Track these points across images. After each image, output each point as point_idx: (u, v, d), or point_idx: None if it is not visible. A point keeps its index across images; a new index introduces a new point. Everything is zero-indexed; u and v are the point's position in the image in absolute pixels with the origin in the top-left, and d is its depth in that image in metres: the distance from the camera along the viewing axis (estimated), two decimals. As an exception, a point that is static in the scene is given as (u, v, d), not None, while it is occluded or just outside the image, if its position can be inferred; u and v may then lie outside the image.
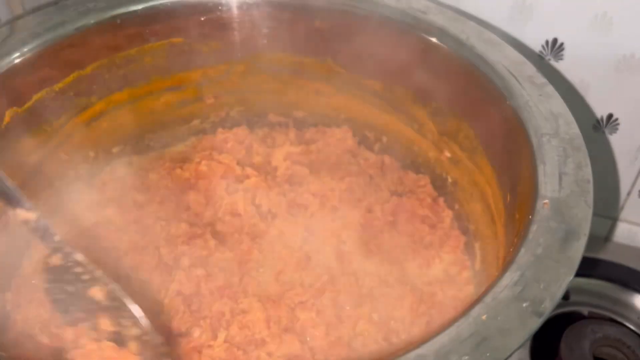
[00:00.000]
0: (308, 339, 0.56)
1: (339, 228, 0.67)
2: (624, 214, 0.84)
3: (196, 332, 0.55)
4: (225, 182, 0.70)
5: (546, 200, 0.44)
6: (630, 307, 0.79)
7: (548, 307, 0.37)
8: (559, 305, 0.77)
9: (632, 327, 0.76)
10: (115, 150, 0.74)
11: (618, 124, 0.76)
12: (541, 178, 0.47)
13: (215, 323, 0.56)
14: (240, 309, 0.57)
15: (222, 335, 0.55)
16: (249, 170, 0.72)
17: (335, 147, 0.76)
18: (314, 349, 0.55)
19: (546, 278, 0.39)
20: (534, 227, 0.42)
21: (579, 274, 0.79)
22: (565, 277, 0.39)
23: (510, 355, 0.34)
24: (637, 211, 0.83)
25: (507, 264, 0.40)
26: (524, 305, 0.37)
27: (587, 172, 0.47)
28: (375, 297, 0.60)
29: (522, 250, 0.41)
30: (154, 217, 0.67)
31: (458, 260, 0.65)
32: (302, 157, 0.75)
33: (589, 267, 0.82)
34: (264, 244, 0.65)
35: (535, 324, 0.36)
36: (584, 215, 0.43)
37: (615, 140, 0.78)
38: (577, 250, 0.40)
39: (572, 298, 0.79)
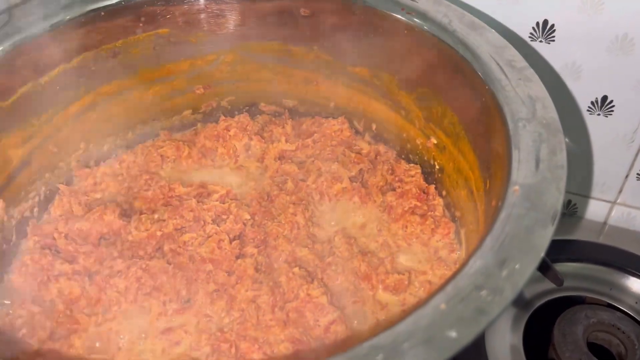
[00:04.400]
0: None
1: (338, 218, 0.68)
2: (622, 197, 0.83)
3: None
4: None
5: (517, 187, 0.44)
6: (628, 291, 0.78)
7: (509, 296, 0.36)
8: (554, 291, 0.77)
9: (628, 311, 0.75)
10: (105, 142, 0.74)
11: (613, 107, 0.75)
12: (515, 164, 0.46)
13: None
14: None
15: None
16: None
17: (332, 139, 0.76)
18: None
19: (510, 266, 0.38)
20: (502, 214, 0.42)
21: (575, 258, 0.80)
22: (529, 265, 0.38)
23: (466, 344, 0.34)
24: (635, 194, 0.82)
25: (473, 250, 0.40)
26: (483, 294, 0.36)
27: (562, 157, 0.46)
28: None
29: (489, 238, 0.40)
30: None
31: (448, 244, 0.65)
32: (298, 153, 0.75)
33: (584, 251, 0.81)
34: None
35: (493, 314, 0.35)
36: (554, 202, 0.42)
37: (611, 123, 0.76)
38: (544, 239, 0.40)
39: (568, 283, 0.78)
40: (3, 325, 0.57)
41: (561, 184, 0.44)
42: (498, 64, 0.55)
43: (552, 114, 0.49)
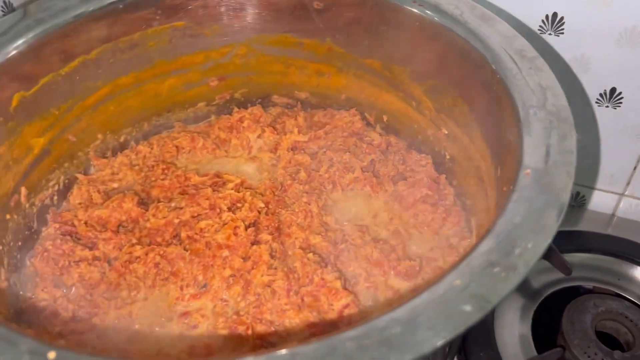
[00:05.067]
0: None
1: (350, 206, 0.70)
2: (630, 189, 0.84)
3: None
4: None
5: (528, 170, 0.45)
6: (635, 281, 0.79)
7: (522, 272, 0.38)
8: (562, 281, 0.78)
9: (636, 301, 0.76)
10: (122, 133, 0.76)
11: (622, 98, 0.76)
12: (527, 149, 0.47)
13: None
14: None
15: None
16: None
17: (343, 130, 0.78)
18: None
19: (522, 245, 0.39)
20: (514, 196, 0.43)
21: (584, 249, 0.81)
22: (540, 244, 0.39)
23: (479, 320, 0.35)
24: (643, 186, 0.83)
25: (485, 232, 0.41)
26: (496, 270, 0.38)
27: (572, 143, 0.47)
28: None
29: (501, 219, 0.42)
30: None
31: (459, 232, 0.67)
32: (310, 144, 0.77)
33: (593, 242, 0.82)
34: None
35: (506, 289, 0.36)
36: (564, 185, 0.43)
37: (620, 115, 0.77)
38: (554, 219, 0.41)
39: (577, 273, 0.79)
40: (27, 308, 0.58)
41: (571, 168, 0.45)
42: (509, 54, 0.56)
43: (562, 102, 0.51)
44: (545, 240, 0.40)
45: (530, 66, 0.54)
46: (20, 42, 0.61)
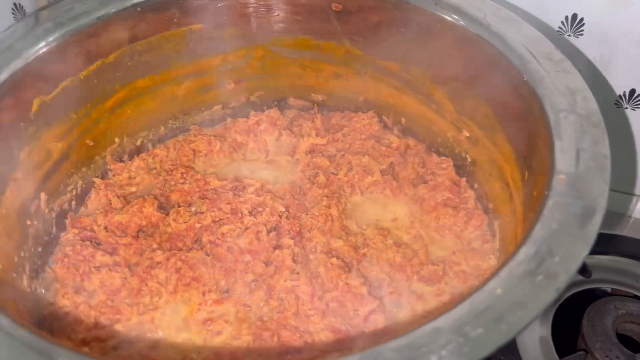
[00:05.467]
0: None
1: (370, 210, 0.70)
2: (647, 190, 0.84)
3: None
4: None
5: (562, 176, 0.45)
6: (654, 283, 0.79)
7: (563, 280, 0.37)
8: (581, 283, 0.78)
9: (655, 303, 0.76)
10: (139, 136, 0.75)
11: (641, 100, 0.76)
12: (558, 154, 0.47)
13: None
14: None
15: None
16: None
17: (361, 133, 0.77)
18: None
19: (561, 252, 0.39)
20: (550, 202, 0.43)
21: (601, 251, 0.80)
22: (581, 251, 0.39)
23: (524, 328, 0.35)
24: (660, 187, 0.82)
25: (523, 239, 0.41)
26: (538, 279, 0.37)
27: (605, 148, 0.47)
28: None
29: (538, 226, 0.41)
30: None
31: (481, 235, 0.66)
32: (328, 146, 0.76)
33: (610, 243, 0.81)
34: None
35: (549, 297, 0.36)
36: (600, 191, 0.43)
37: (639, 116, 0.77)
38: (593, 226, 0.40)
39: (595, 275, 0.79)
40: (49, 314, 0.58)
41: (606, 173, 0.44)
42: (535, 57, 0.56)
43: (592, 105, 0.50)
44: (585, 248, 0.39)
45: (557, 69, 0.54)
46: (40, 45, 0.60)
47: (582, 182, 0.44)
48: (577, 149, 0.47)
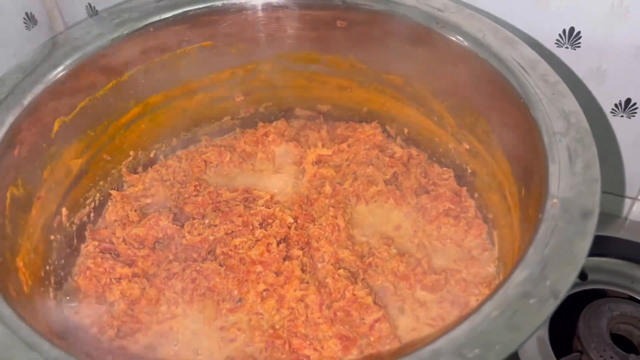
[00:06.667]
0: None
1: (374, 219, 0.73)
2: (643, 194, 0.86)
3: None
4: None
5: (555, 200, 0.47)
6: (648, 285, 0.82)
7: (553, 304, 0.40)
8: (576, 285, 0.81)
9: (650, 304, 0.79)
10: (152, 149, 0.79)
11: (636, 108, 0.78)
12: (552, 177, 0.50)
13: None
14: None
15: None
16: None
17: (365, 143, 0.80)
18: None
19: (552, 277, 0.42)
20: (543, 227, 0.46)
21: (597, 253, 0.83)
22: (570, 275, 0.42)
23: (517, 349, 0.38)
24: (655, 192, 0.85)
25: (517, 262, 0.44)
26: (531, 301, 0.40)
27: (595, 171, 0.49)
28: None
29: (531, 249, 0.44)
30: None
31: (480, 244, 0.70)
32: (334, 157, 0.79)
33: (606, 245, 0.84)
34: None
35: (540, 320, 0.39)
36: (590, 214, 0.46)
37: (634, 124, 0.80)
38: (583, 250, 0.44)
39: (591, 277, 0.82)
40: (73, 325, 0.62)
41: (596, 197, 0.47)
42: (532, 78, 0.58)
43: (585, 127, 0.53)
44: (574, 271, 0.42)
45: (553, 91, 0.57)
46: (60, 69, 0.63)
47: (573, 206, 0.47)
48: (570, 173, 0.50)
